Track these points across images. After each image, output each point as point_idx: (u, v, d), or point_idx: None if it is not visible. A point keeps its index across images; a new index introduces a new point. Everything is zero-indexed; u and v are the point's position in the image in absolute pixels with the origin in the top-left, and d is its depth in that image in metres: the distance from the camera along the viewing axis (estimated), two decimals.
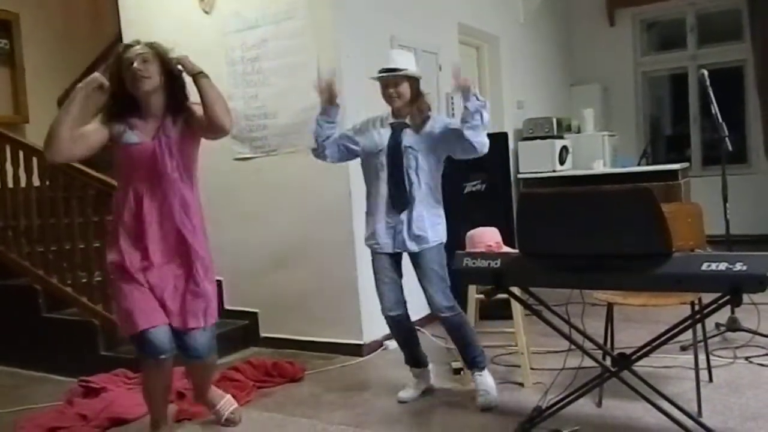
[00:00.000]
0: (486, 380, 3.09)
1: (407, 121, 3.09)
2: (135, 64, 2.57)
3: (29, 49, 5.77)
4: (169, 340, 2.66)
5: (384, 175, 3.08)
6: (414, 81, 3.09)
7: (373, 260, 3.17)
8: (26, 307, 4.11)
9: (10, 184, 4.25)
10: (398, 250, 3.10)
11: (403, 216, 3.06)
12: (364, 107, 4.06)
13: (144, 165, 2.66)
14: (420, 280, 3.07)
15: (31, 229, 4.17)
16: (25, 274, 4.17)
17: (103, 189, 3.82)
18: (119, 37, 4.92)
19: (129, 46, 2.66)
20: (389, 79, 3.06)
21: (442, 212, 3.14)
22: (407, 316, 3.19)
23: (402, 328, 3.21)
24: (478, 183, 4.40)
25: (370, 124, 3.19)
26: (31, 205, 4.16)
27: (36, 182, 4.16)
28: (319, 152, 3.19)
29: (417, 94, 3.10)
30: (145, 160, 2.66)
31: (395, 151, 3.06)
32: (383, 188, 3.09)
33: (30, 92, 5.76)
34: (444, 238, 3.11)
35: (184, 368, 3.03)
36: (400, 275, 3.16)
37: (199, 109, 2.70)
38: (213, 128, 2.68)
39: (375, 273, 3.16)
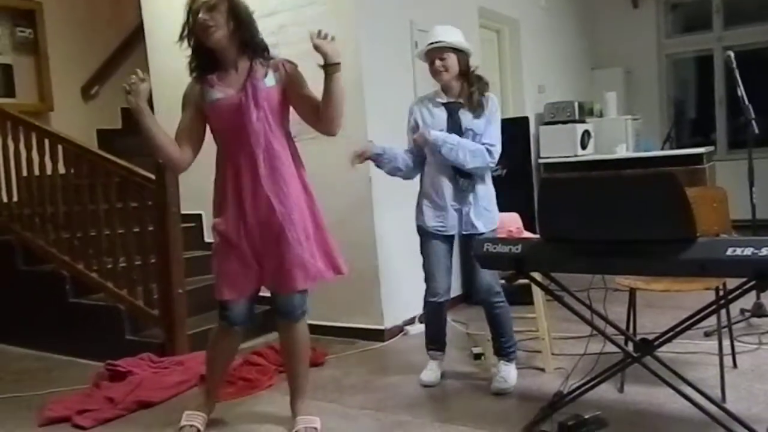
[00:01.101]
0: (509, 371, 3.10)
1: (461, 101, 3.06)
2: (201, 14, 2.47)
3: (53, 37, 5.83)
4: (246, 315, 2.73)
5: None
6: (462, 55, 3.04)
7: (427, 243, 3.15)
8: (53, 293, 4.18)
9: (36, 172, 4.31)
10: (466, 232, 3.08)
11: (471, 197, 3.06)
12: (384, 93, 4.06)
13: (232, 121, 2.54)
14: (469, 262, 3.06)
15: (57, 216, 4.24)
16: (51, 260, 4.24)
17: (126, 176, 3.87)
18: (140, 24, 4.96)
19: None
20: (435, 52, 3.03)
21: (494, 194, 3.18)
22: (447, 302, 3.22)
23: (440, 315, 3.24)
24: (498, 168, 4.36)
25: (419, 112, 3.15)
26: (57, 192, 4.22)
27: (61, 170, 4.22)
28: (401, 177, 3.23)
29: (466, 70, 3.06)
30: (233, 114, 2.53)
31: (455, 133, 3.03)
32: (445, 170, 3.06)
33: (54, 80, 5.82)
34: (496, 225, 3.14)
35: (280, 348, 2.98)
36: (452, 259, 3.19)
37: (297, 77, 2.65)
38: (321, 125, 2.64)
39: (429, 257, 3.14)
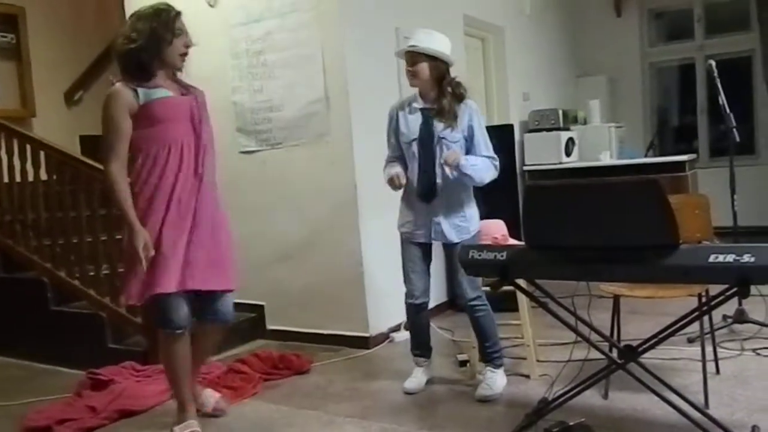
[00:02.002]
0: (496, 379, 3.09)
1: (437, 107, 3.03)
2: (189, 37, 2.66)
3: (35, 43, 5.78)
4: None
5: (416, 165, 3.06)
6: (436, 62, 2.99)
7: (404, 247, 3.18)
8: (35, 301, 4.13)
9: (18, 178, 4.27)
10: (434, 241, 3.10)
11: (440, 206, 3.04)
12: (369, 99, 4.06)
13: (182, 118, 2.68)
14: (450, 269, 3.07)
15: (39, 223, 4.19)
16: (33, 267, 4.19)
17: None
18: None
19: (179, 14, 2.68)
20: (409, 55, 3.02)
21: (474, 201, 3.14)
22: (427, 306, 3.22)
23: (421, 317, 3.24)
24: None
25: (396, 116, 3.14)
26: (39, 198, 4.18)
27: (43, 176, 4.18)
28: None
29: (440, 78, 3.02)
30: (183, 113, 2.68)
31: (428, 141, 3.03)
32: (416, 182, 3.07)
33: (37, 86, 5.76)
34: (477, 230, 3.12)
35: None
36: (429, 263, 3.19)
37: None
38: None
39: (405, 260, 3.17)
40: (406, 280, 3.18)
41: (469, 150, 3.04)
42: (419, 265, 3.16)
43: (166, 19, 2.64)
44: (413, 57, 3.01)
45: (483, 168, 3.01)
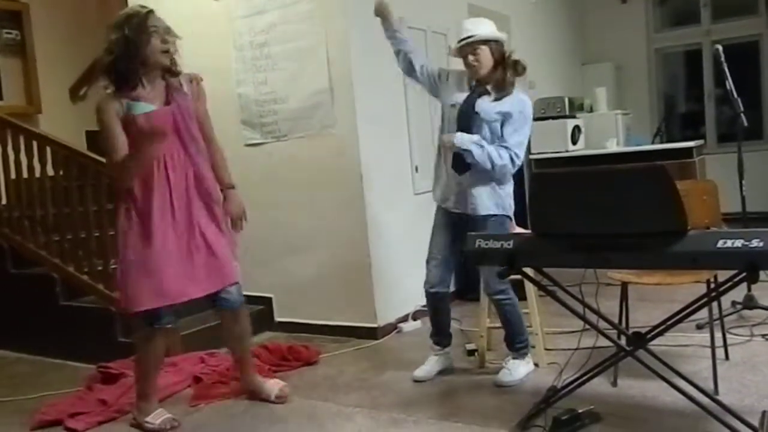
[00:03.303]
0: (517, 366, 3.09)
1: (489, 88, 3.04)
2: (168, 36, 2.63)
3: (40, 39, 5.79)
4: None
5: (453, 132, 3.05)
6: (494, 44, 3.02)
7: (435, 215, 3.20)
8: (44, 296, 4.16)
9: (25, 174, 4.29)
10: (457, 210, 3.08)
11: (470, 178, 3.03)
12: (373, 90, 4.05)
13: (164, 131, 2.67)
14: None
15: (47, 219, 4.21)
16: (42, 263, 4.21)
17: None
18: None
19: (151, 12, 2.65)
20: (467, 48, 3.01)
21: (506, 186, 3.09)
22: (447, 295, 3.22)
23: (439, 306, 3.24)
24: None
25: (454, 77, 3.17)
26: (46, 194, 4.20)
27: (50, 172, 4.19)
28: (397, 58, 3.30)
29: (501, 58, 3.03)
30: (165, 126, 2.67)
31: (466, 114, 3.03)
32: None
33: (42, 82, 5.78)
34: (504, 212, 3.06)
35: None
36: (454, 252, 3.14)
37: (189, 88, 2.81)
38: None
39: (432, 232, 3.19)
40: (426, 263, 3.18)
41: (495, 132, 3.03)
42: (443, 237, 3.14)
43: (137, 21, 2.63)
44: (473, 47, 3.00)
45: (491, 151, 2.96)
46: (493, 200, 3.05)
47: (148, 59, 2.65)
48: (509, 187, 3.12)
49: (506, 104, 3.01)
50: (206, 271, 2.78)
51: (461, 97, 3.07)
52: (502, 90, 3.01)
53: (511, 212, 3.10)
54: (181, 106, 2.74)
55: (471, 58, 3.01)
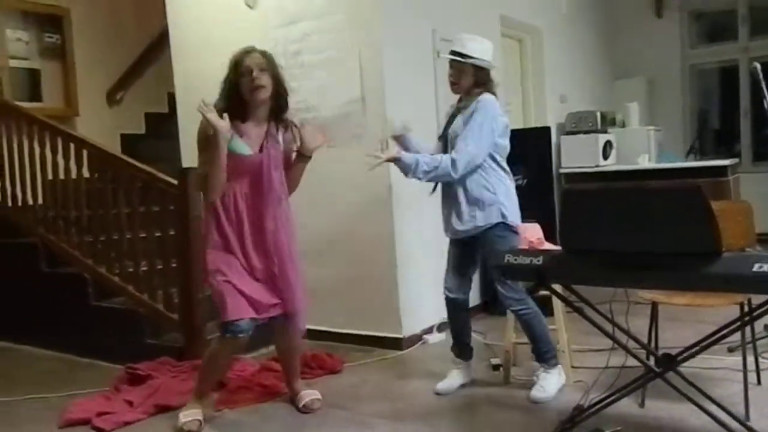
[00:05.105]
0: (549, 379, 3.07)
1: (462, 105, 3.07)
2: (254, 74, 2.75)
3: (79, 43, 5.92)
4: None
5: None
6: (479, 71, 3.02)
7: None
8: (76, 295, 4.23)
9: (61, 176, 4.38)
10: (450, 236, 3.15)
11: (447, 201, 3.11)
12: (405, 100, 4.06)
13: (250, 174, 2.83)
14: (485, 269, 3.07)
15: (81, 220, 4.29)
16: (74, 263, 4.29)
17: (149, 181, 3.91)
18: (165, 30, 5.02)
19: (247, 53, 2.80)
20: (451, 63, 3.05)
21: (494, 195, 3.02)
22: (464, 303, 3.23)
23: (456, 313, 3.25)
24: (519, 178, 4.35)
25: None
26: (81, 196, 4.28)
27: (86, 174, 4.28)
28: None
29: (483, 84, 3.03)
30: (254, 170, 2.83)
31: (445, 138, 3.10)
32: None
33: (80, 86, 5.91)
34: (497, 220, 3.01)
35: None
36: (468, 264, 3.18)
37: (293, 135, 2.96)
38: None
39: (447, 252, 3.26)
40: (445, 271, 3.25)
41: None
42: (453, 261, 3.21)
43: (234, 60, 2.80)
44: (458, 65, 3.02)
45: (421, 168, 2.95)
46: (474, 213, 3.03)
47: (245, 96, 2.79)
48: (490, 193, 3.03)
49: (471, 115, 3.00)
50: (283, 294, 2.92)
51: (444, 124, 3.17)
52: (468, 110, 3.01)
53: (509, 216, 3.04)
54: (272, 155, 2.87)
55: (450, 72, 3.06)
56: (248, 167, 2.82)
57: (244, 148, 2.80)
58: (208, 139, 2.72)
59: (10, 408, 3.35)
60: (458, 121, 3.05)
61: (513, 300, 3.03)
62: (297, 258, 2.96)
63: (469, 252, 3.16)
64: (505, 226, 3.02)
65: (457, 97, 3.16)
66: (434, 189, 3.18)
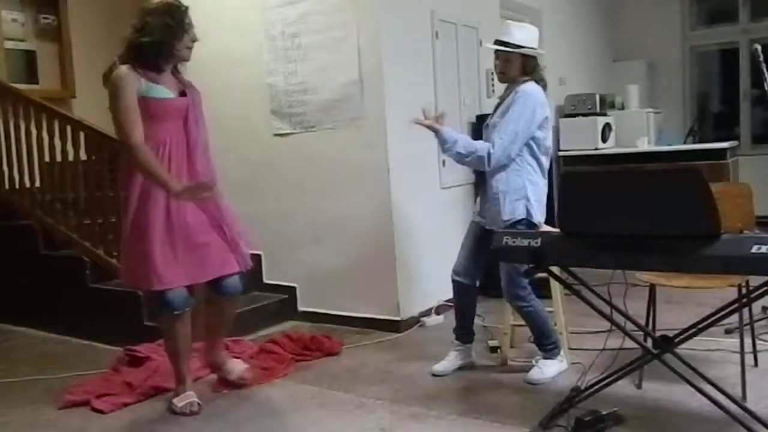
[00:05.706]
0: (547, 366, 3.07)
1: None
2: (194, 35, 2.82)
3: (76, 24, 5.86)
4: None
5: None
6: (527, 59, 3.00)
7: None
8: (73, 278, 4.23)
9: (58, 158, 4.35)
10: (482, 222, 3.11)
11: (484, 191, 3.10)
12: (404, 82, 4.04)
13: (174, 118, 2.82)
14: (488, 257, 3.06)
15: (78, 202, 4.28)
16: (72, 245, 4.29)
17: None
18: None
19: (187, 9, 2.81)
20: (497, 53, 3.03)
21: (522, 190, 3.00)
22: (471, 288, 3.21)
23: (461, 297, 3.25)
24: None
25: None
26: (78, 178, 4.27)
27: (83, 156, 4.26)
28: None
29: (531, 72, 3.01)
30: (176, 113, 2.82)
31: (488, 126, 3.10)
32: None
33: (77, 67, 5.86)
34: (521, 216, 2.99)
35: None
36: (482, 252, 3.09)
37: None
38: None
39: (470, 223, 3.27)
40: (459, 252, 3.24)
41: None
42: (468, 242, 3.19)
43: (179, 16, 2.77)
44: (504, 55, 3.00)
45: (461, 151, 2.97)
46: (499, 207, 3.02)
47: (177, 52, 2.81)
48: (519, 188, 3.00)
49: (508, 101, 3.01)
50: (210, 257, 2.87)
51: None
52: (513, 87, 3.03)
53: (534, 216, 3.02)
54: (195, 99, 2.91)
55: (496, 62, 3.04)
56: (167, 111, 2.80)
57: (166, 92, 2.80)
58: (131, 96, 2.71)
59: (10, 390, 3.36)
60: (499, 111, 3.04)
61: (515, 294, 3.03)
62: (224, 216, 2.93)
63: (487, 241, 3.11)
64: (528, 224, 3.00)
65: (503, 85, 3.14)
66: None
